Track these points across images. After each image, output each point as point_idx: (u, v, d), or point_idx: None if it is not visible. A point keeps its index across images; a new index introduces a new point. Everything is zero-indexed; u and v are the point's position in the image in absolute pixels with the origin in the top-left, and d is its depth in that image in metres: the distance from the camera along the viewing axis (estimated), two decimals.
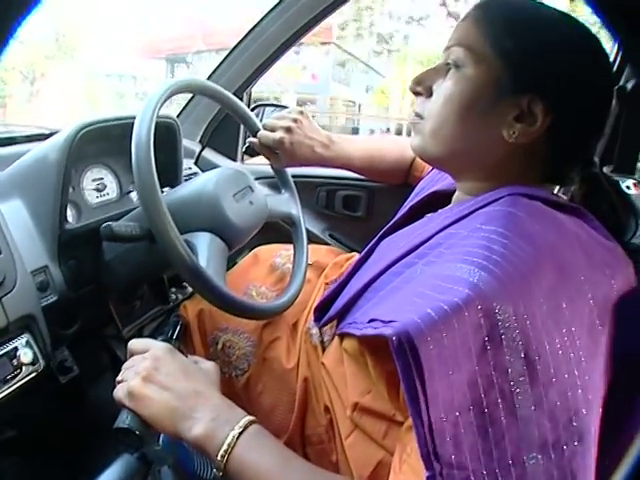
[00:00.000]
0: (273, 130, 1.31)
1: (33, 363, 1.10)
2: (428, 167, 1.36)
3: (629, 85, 1.79)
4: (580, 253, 0.73)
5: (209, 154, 1.93)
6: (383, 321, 0.71)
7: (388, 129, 21.82)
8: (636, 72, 1.77)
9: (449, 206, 0.97)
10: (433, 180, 1.18)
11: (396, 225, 1.09)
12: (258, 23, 1.79)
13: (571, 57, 0.82)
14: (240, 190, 1.18)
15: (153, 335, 1.34)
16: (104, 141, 1.26)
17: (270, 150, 1.31)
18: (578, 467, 0.64)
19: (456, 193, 0.99)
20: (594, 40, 0.85)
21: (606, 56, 0.86)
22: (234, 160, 1.97)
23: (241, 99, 1.87)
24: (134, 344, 0.95)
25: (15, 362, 1.07)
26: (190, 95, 1.90)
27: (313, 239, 1.85)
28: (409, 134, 0.97)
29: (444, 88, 0.88)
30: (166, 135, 1.40)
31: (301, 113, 1.33)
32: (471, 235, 0.75)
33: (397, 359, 0.64)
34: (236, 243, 1.15)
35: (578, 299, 0.69)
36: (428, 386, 0.63)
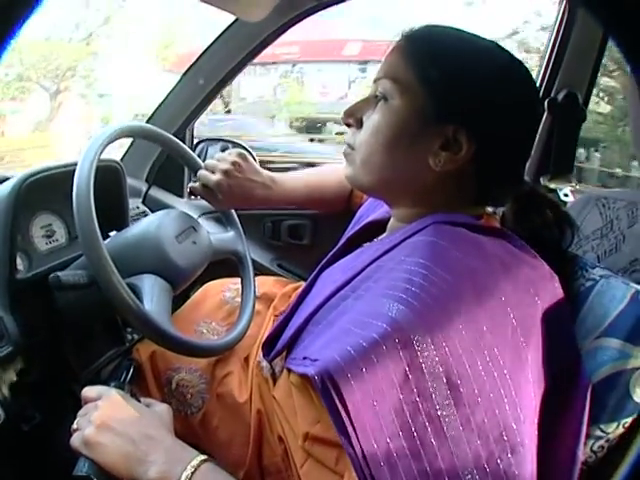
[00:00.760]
0: (214, 171, 1.31)
1: None
2: None
3: (560, 96, 1.86)
4: (502, 275, 0.77)
5: (156, 192, 1.94)
6: (311, 359, 0.75)
7: None
8: (567, 82, 1.86)
9: (383, 235, 1.00)
10: (371, 207, 1.22)
11: (335, 255, 1.12)
12: (194, 63, 1.82)
13: (494, 86, 0.87)
14: (183, 231, 1.20)
15: (110, 378, 1.34)
16: (50, 188, 1.27)
17: (211, 192, 1.31)
18: (515, 478, 0.68)
19: (391, 220, 1.02)
20: (517, 67, 0.90)
21: (530, 82, 0.92)
22: (181, 197, 1.99)
23: (184, 135, 1.90)
24: (87, 392, 0.96)
25: None
26: None
27: (262, 270, 1.87)
28: None
29: (372, 120, 0.92)
30: (110, 179, 1.42)
31: (241, 155, 1.32)
32: (395, 268, 0.79)
33: (322, 396, 0.69)
34: (181, 283, 1.17)
35: (500, 321, 0.73)
36: (354, 417, 0.67)
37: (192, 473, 0.83)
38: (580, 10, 1.82)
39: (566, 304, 0.85)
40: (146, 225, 1.19)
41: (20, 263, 1.25)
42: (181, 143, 1.36)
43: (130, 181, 1.68)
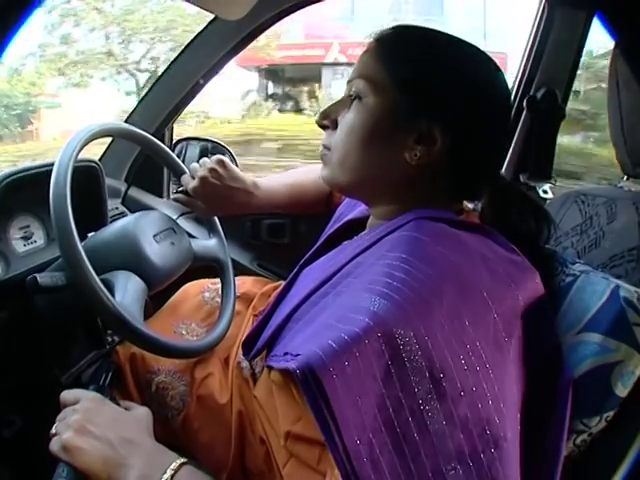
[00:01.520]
0: (194, 177, 1.29)
1: None
2: None
3: (539, 94, 1.87)
4: (484, 270, 0.77)
5: (135, 192, 1.92)
6: (292, 354, 0.75)
7: None
8: (545, 80, 1.87)
9: (363, 232, 1.00)
10: (350, 205, 1.22)
11: (315, 254, 1.12)
12: (173, 61, 1.81)
13: (465, 80, 0.88)
14: (161, 231, 1.20)
15: (90, 381, 1.34)
16: (28, 189, 1.25)
17: (192, 199, 1.31)
18: (498, 472, 0.68)
19: (370, 219, 1.03)
20: (486, 62, 0.92)
21: (501, 76, 0.93)
22: (160, 197, 1.98)
23: (163, 135, 1.89)
24: (65, 396, 0.95)
25: None
26: None
27: (242, 270, 1.85)
28: None
29: (347, 119, 0.93)
30: (88, 179, 1.40)
31: (219, 162, 1.29)
32: (376, 263, 0.79)
33: (304, 391, 0.68)
34: (157, 282, 1.16)
35: (482, 315, 0.73)
36: (336, 413, 0.66)
37: (172, 476, 0.83)
38: (559, 9, 1.84)
39: (547, 299, 0.85)
40: (124, 223, 1.19)
41: None
42: (163, 146, 1.35)
43: (109, 181, 1.66)
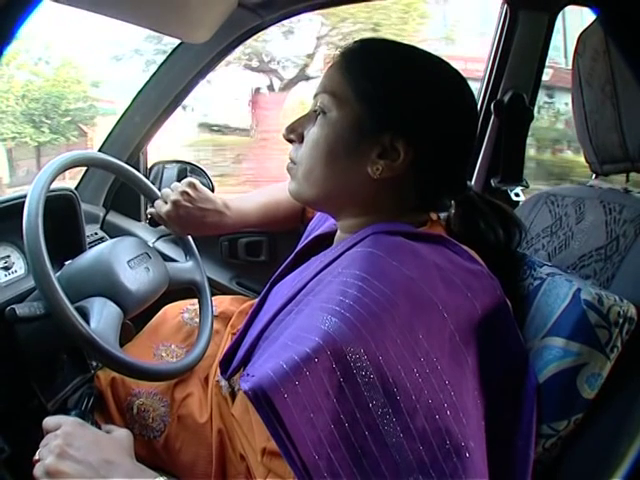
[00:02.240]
0: (166, 201, 1.33)
1: None
2: None
3: (506, 98, 1.89)
4: (439, 282, 0.78)
5: (114, 217, 1.94)
6: (250, 375, 0.75)
7: None
8: (512, 84, 1.89)
9: (330, 248, 1.01)
10: (320, 221, 1.24)
11: (285, 270, 1.13)
12: (145, 85, 1.82)
13: (429, 94, 0.90)
14: (135, 257, 1.22)
15: (75, 406, 1.34)
16: (7, 219, 1.26)
17: (165, 221, 1.35)
18: None
19: (337, 232, 1.04)
20: (450, 74, 0.93)
21: (465, 87, 0.94)
22: (138, 220, 1.98)
23: (138, 159, 1.90)
24: (47, 422, 0.95)
25: None
26: None
27: (221, 289, 1.89)
28: None
29: (312, 133, 0.94)
30: (64, 207, 1.42)
31: (190, 184, 1.34)
32: (333, 280, 0.80)
33: (257, 410, 0.70)
34: (132, 308, 1.18)
35: (436, 327, 0.74)
36: (290, 431, 0.68)
37: None
38: (521, 11, 1.86)
39: (507, 306, 0.86)
40: (99, 250, 1.21)
41: None
42: (136, 172, 1.38)
43: (87, 207, 1.68)
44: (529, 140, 2.00)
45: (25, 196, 1.08)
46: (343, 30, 7.47)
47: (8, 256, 1.36)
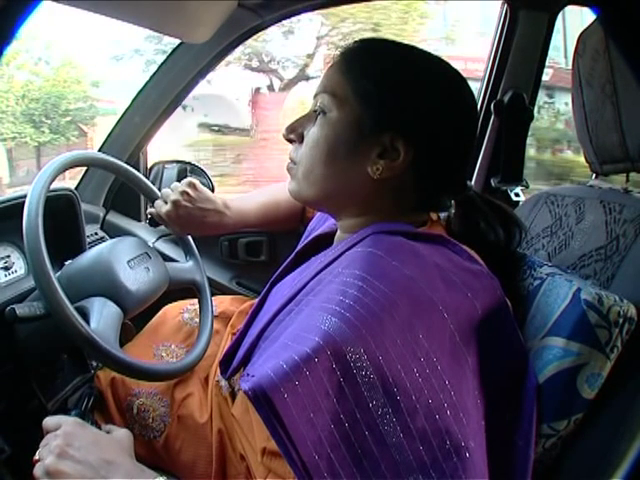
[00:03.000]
0: (166, 201, 1.34)
1: None
2: None
3: (506, 98, 1.89)
4: (439, 282, 0.78)
5: (114, 217, 1.94)
6: (250, 375, 0.76)
7: None
8: (512, 84, 1.89)
9: (330, 248, 1.01)
10: (320, 220, 1.24)
11: (285, 270, 1.14)
12: (145, 85, 1.82)
13: (427, 93, 0.90)
14: (135, 257, 1.22)
15: (75, 406, 1.35)
16: (6, 220, 1.27)
17: (165, 221, 1.35)
18: None
19: (337, 232, 1.04)
20: (451, 73, 0.94)
21: (466, 88, 0.94)
22: (138, 220, 1.99)
23: (138, 159, 1.90)
24: (47, 422, 0.96)
25: None
26: None
27: (221, 289, 1.89)
28: None
29: (312, 133, 0.94)
30: (65, 207, 1.42)
31: (190, 184, 1.34)
32: (333, 280, 0.80)
33: (257, 410, 0.70)
34: (132, 308, 1.18)
35: (437, 327, 0.74)
36: (290, 431, 0.68)
37: None
38: (521, 11, 1.86)
39: (507, 306, 0.86)
40: (99, 250, 1.21)
41: None
42: (136, 172, 1.38)
43: (87, 207, 1.68)
44: (529, 140, 2.00)
45: (25, 196, 1.08)
46: (343, 30, 7.48)
47: (8, 256, 1.36)
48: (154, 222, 1.39)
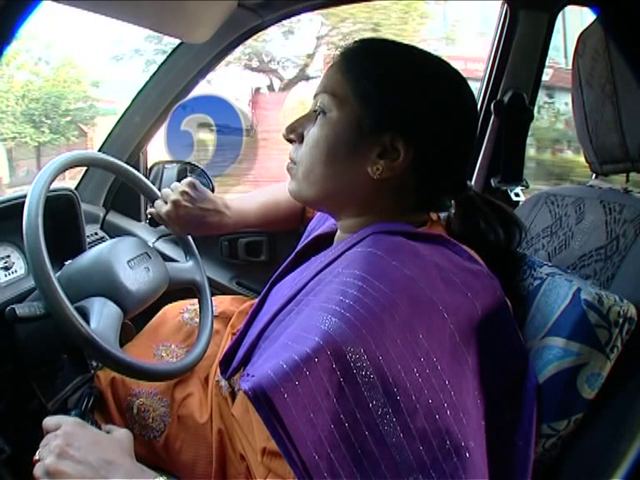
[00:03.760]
0: (166, 201, 1.34)
1: None
2: None
3: (506, 98, 1.89)
4: (439, 282, 0.78)
5: (114, 217, 1.94)
6: (250, 375, 0.76)
7: None
8: (512, 84, 1.89)
9: (330, 248, 1.01)
10: (320, 221, 1.24)
11: (285, 270, 1.14)
12: (145, 85, 1.83)
13: (428, 94, 0.90)
14: (135, 257, 1.22)
15: (75, 406, 1.35)
16: (6, 220, 1.27)
17: (165, 221, 1.35)
18: None
19: (337, 232, 1.04)
20: (451, 73, 0.94)
21: (466, 88, 0.94)
22: (138, 220, 1.99)
23: (138, 159, 1.91)
24: (47, 422, 0.96)
25: None
26: None
27: (221, 289, 1.90)
28: None
29: (312, 133, 0.94)
30: (65, 207, 1.43)
31: (190, 184, 1.34)
32: (333, 280, 0.80)
33: (257, 410, 0.71)
34: (132, 308, 1.18)
35: (437, 327, 0.74)
36: (291, 430, 0.68)
37: None
38: (521, 11, 1.86)
39: (507, 306, 0.86)
40: (99, 250, 1.21)
41: None
42: (136, 172, 1.38)
43: (87, 207, 1.69)
44: (529, 140, 2.00)
45: (25, 196, 1.08)
46: (343, 30, 7.46)
47: (8, 256, 1.36)
48: (154, 222, 1.39)
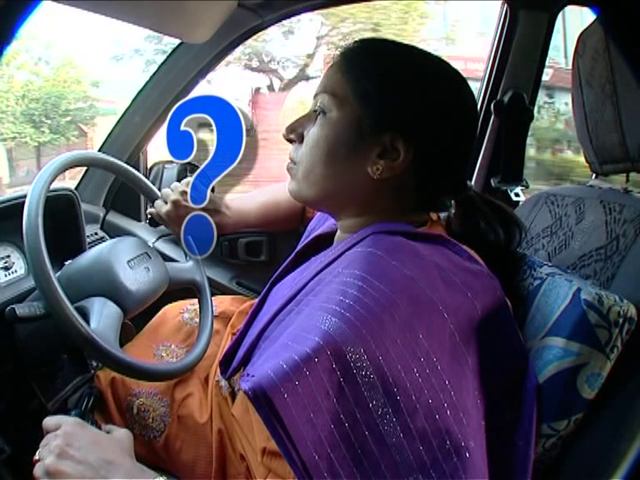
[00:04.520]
0: (166, 201, 1.34)
1: None
2: None
3: (506, 98, 1.89)
4: (439, 282, 0.78)
5: (114, 217, 1.94)
6: (250, 375, 0.76)
7: None
8: (512, 84, 1.90)
9: (330, 248, 1.01)
10: (320, 221, 1.24)
11: (285, 271, 1.13)
12: (145, 85, 1.83)
13: (428, 94, 0.90)
14: (135, 257, 1.22)
15: (75, 406, 1.35)
16: (6, 220, 1.27)
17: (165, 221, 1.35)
18: None
19: (337, 232, 1.04)
20: (451, 74, 0.94)
21: (466, 88, 0.94)
22: (138, 220, 1.99)
23: (138, 159, 1.91)
24: (47, 422, 0.95)
25: None
26: None
27: (221, 289, 1.89)
28: None
29: (312, 133, 0.94)
30: (65, 207, 1.43)
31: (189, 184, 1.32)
32: (333, 280, 0.80)
33: (257, 410, 0.71)
34: (132, 308, 1.18)
35: (437, 327, 0.74)
36: (290, 430, 0.68)
37: None
38: (521, 11, 1.86)
39: (507, 306, 0.86)
40: (99, 250, 1.21)
41: None
42: (136, 172, 1.38)
43: (87, 207, 1.68)
44: (529, 140, 2.01)
45: (25, 196, 1.08)
46: (343, 30, 7.45)
47: (8, 256, 1.36)
48: (154, 222, 1.39)
